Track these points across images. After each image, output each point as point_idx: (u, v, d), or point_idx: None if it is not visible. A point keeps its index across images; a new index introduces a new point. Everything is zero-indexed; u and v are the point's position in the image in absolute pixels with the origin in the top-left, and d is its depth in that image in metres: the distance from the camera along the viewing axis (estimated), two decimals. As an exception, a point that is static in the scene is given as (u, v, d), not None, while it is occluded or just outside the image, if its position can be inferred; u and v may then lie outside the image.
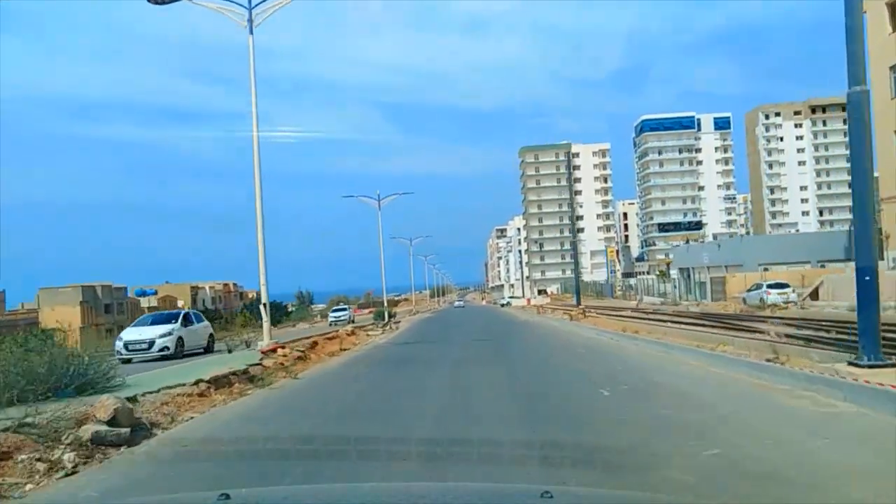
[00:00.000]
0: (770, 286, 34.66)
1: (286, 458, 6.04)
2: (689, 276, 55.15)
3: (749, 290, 35.96)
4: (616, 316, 32.31)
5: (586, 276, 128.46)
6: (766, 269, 44.51)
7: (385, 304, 49.14)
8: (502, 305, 77.14)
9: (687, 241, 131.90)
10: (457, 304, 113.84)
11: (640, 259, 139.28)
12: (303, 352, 17.33)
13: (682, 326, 21.23)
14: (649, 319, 27.57)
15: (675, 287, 61.35)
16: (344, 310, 53.90)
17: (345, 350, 20.75)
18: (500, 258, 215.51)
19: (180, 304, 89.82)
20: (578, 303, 32.20)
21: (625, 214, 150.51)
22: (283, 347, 16.61)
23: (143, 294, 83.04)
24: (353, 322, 48.46)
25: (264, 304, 17.70)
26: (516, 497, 2.37)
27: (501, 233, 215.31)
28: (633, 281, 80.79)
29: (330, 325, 46.00)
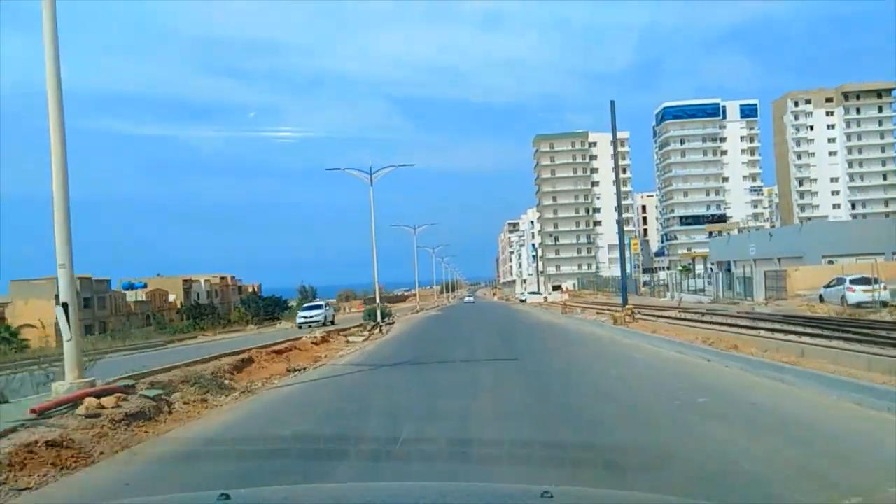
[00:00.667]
0: (853, 281, 28.28)
1: None
2: (728, 269, 48.68)
3: (827, 286, 29.56)
4: (668, 319, 26.10)
5: (603, 272, 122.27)
6: (830, 262, 38.05)
7: (377, 299, 41.04)
8: (521, 301, 70.19)
9: (710, 234, 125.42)
10: (466, 299, 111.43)
11: (659, 254, 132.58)
12: (165, 394, 9.59)
13: (802, 340, 14.97)
14: (721, 324, 21.36)
15: (710, 283, 55.00)
16: (319, 307, 44.89)
17: (291, 371, 14.32)
18: (511, 253, 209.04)
19: (172, 298, 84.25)
20: (625, 302, 25.87)
21: (643, 207, 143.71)
22: (115, 394, 8.59)
23: (131, 287, 77.42)
24: (332, 323, 42.05)
25: (64, 304, 9.27)
26: (516, 497, 2.34)
27: (514, 227, 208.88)
28: (663, 275, 74.20)
29: (299, 327, 39.50)
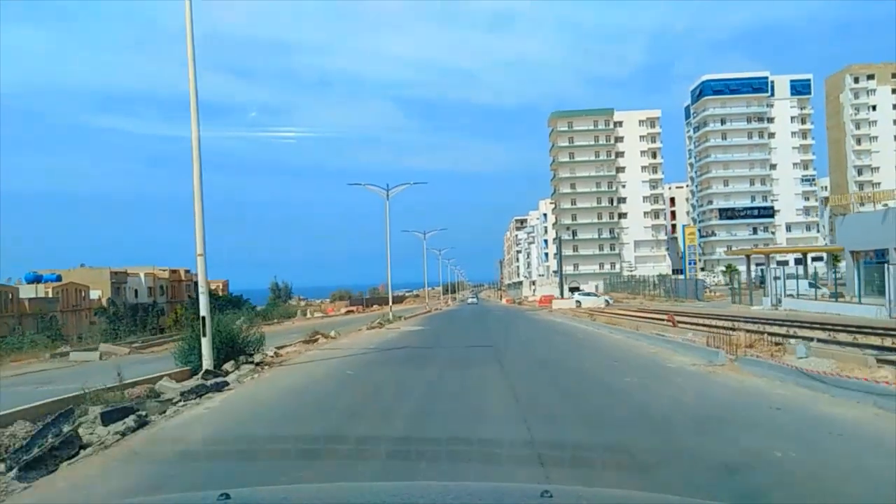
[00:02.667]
0: None
1: None
2: (880, 261, 31.08)
3: None
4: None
5: (628, 270, 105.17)
6: None
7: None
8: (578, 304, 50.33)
9: (754, 231, 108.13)
10: (470, 300, 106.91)
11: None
12: None
13: None
14: None
15: (836, 281, 37.76)
16: None
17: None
18: (518, 252, 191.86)
19: (96, 294, 67.45)
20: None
21: (671, 200, 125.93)
22: None
23: (37, 280, 60.36)
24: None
25: None
26: (516, 497, 2.37)
27: (521, 223, 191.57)
28: (758, 272, 56.43)
29: None
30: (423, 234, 63.85)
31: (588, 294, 56.73)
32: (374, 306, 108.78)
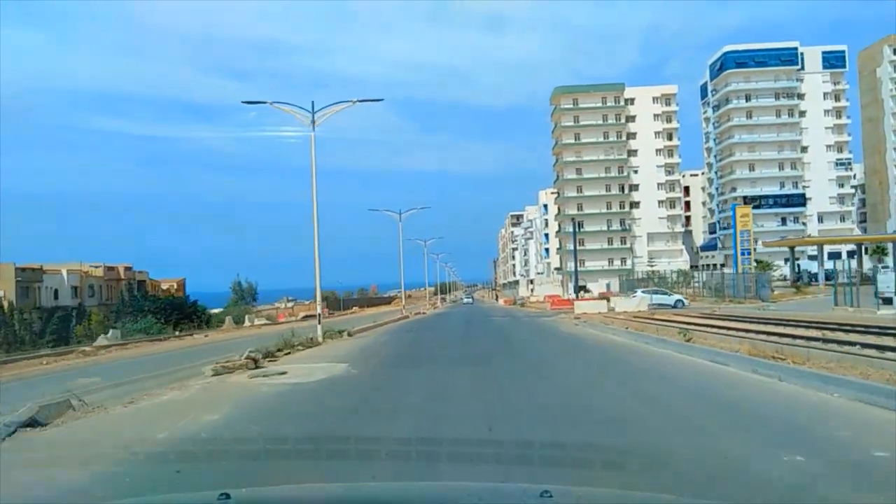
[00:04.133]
0: None
1: None
2: None
3: None
4: None
5: (642, 267, 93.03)
6: None
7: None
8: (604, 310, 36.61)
9: (783, 221, 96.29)
10: (465, 300, 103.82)
11: (709, 247, 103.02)
12: None
13: None
14: None
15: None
16: None
17: None
18: (514, 249, 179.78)
19: (-4, 296, 54.58)
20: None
21: (686, 189, 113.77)
22: None
23: None
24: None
25: None
26: (516, 497, 2.36)
27: (517, 219, 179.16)
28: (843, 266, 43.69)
29: None
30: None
31: (656, 292, 42.94)
32: (354, 308, 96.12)
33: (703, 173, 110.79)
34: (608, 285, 79.91)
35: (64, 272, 59.74)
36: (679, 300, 40.22)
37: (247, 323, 53.26)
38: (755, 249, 59.47)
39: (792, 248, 66.16)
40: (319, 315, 23.67)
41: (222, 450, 6.46)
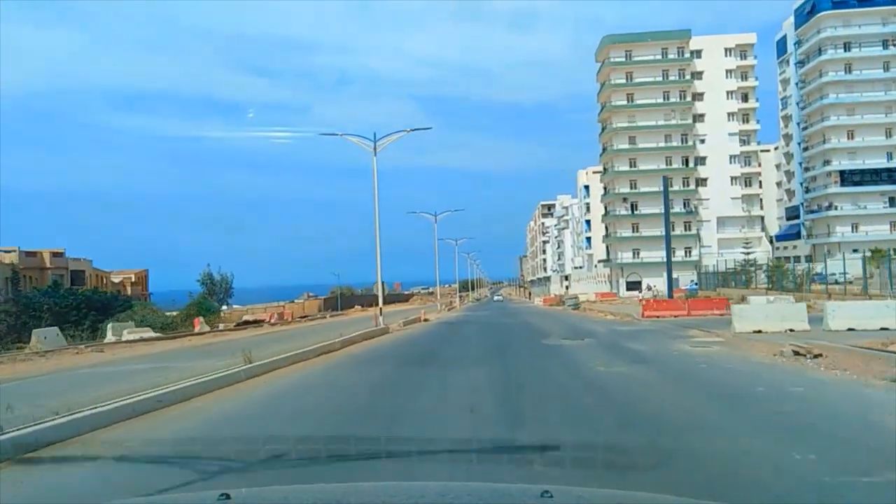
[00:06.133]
0: None
1: None
2: None
3: None
4: None
5: (709, 259, 74.76)
6: None
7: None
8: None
9: (890, 202, 77.30)
10: (495, 298, 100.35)
11: (787, 236, 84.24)
12: None
13: None
14: None
15: None
16: None
17: None
18: (546, 242, 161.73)
19: None
20: None
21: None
22: None
23: None
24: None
25: None
26: (516, 497, 2.32)
27: (548, 209, 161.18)
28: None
29: None
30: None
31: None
32: (356, 307, 79.31)
33: (775, 148, 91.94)
34: (684, 282, 62.18)
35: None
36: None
37: (203, 329, 36.19)
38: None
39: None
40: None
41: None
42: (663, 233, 76.08)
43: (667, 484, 4.72)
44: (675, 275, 67.25)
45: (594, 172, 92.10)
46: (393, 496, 2.26)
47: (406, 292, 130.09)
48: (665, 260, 72.91)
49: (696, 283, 61.00)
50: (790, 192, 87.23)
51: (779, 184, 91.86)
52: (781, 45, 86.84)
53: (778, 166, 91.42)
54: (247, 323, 39.96)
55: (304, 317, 52.91)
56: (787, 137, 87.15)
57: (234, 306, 67.04)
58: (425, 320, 34.37)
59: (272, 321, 40.30)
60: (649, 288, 61.53)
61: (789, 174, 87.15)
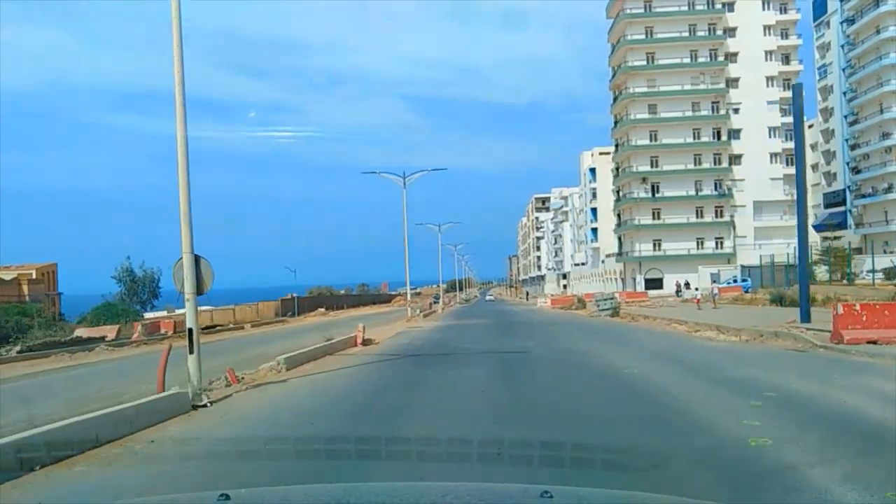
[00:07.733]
0: None
1: None
2: None
3: None
4: None
5: (750, 254, 61.62)
6: None
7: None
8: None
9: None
10: (487, 298, 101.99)
11: (827, 226, 71.63)
12: None
13: None
14: None
15: None
16: None
17: None
18: (539, 238, 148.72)
19: None
20: None
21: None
22: None
23: None
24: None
25: None
26: (516, 497, 2.33)
27: (543, 203, 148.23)
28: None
29: None
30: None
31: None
32: (320, 309, 65.34)
33: (810, 126, 79.38)
34: (723, 280, 49.06)
35: None
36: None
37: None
38: None
39: None
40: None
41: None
42: (691, 219, 63.12)
43: None
44: (712, 269, 54.31)
45: (602, 153, 79.12)
46: (393, 496, 2.22)
47: (392, 293, 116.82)
48: (692, 252, 59.92)
49: (744, 279, 47.99)
50: (829, 176, 74.75)
51: (814, 166, 79.31)
52: (820, 4, 74.37)
53: (814, 146, 78.82)
54: (77, 342, 25.88)
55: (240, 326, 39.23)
56: (826, 112, 74.65)
57: (163, 311, 53.04)
58: (364, 343, 20.08)
59: (136, 338, 26.77)
60: (687, 285, 48.32)
61: (829, 154, 74.67)
